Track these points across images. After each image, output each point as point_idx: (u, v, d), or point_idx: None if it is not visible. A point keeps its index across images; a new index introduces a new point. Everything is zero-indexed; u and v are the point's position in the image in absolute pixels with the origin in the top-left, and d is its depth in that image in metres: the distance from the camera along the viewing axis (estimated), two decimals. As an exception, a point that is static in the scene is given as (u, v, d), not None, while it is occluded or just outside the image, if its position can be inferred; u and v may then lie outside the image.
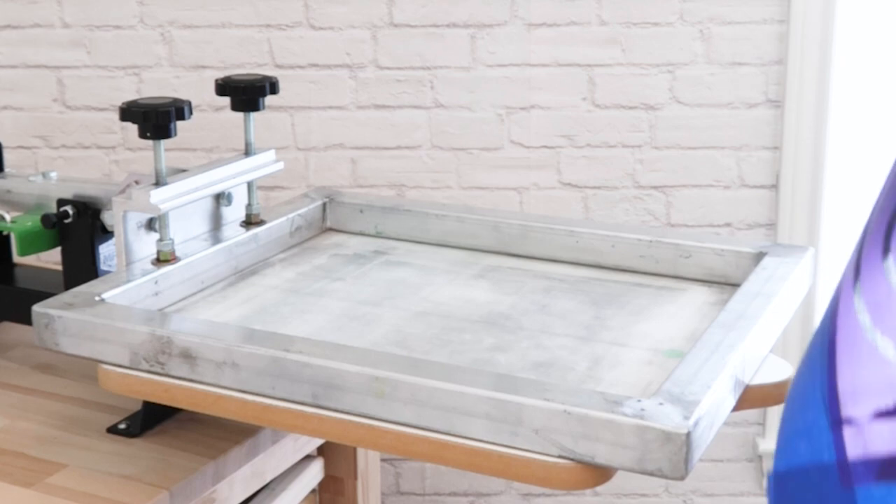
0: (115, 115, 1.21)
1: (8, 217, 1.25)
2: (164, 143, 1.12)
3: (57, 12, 1.84)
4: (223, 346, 0.92)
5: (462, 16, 1.80)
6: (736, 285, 1.09)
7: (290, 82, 1.81)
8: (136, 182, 1.17)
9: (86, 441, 1.12)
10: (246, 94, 1.25)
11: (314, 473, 1.33)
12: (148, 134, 1.10)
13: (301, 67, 1.84)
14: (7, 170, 1.34)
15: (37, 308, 1.01)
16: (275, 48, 1.83)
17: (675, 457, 0.76)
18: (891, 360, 0.60)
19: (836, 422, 0.62)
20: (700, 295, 1.14)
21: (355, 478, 1.37)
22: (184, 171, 1.20)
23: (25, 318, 1.02)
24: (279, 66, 1.83)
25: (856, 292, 0.63)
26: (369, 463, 1.39)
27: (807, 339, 1.86)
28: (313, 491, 1.35)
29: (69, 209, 1.20)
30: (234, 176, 1.22)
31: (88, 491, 1.03)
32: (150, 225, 1.14)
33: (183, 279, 1.13)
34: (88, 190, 1.22)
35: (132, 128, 1.13)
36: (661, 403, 0.79)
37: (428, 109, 1.83)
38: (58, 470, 1.07)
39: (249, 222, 1.26)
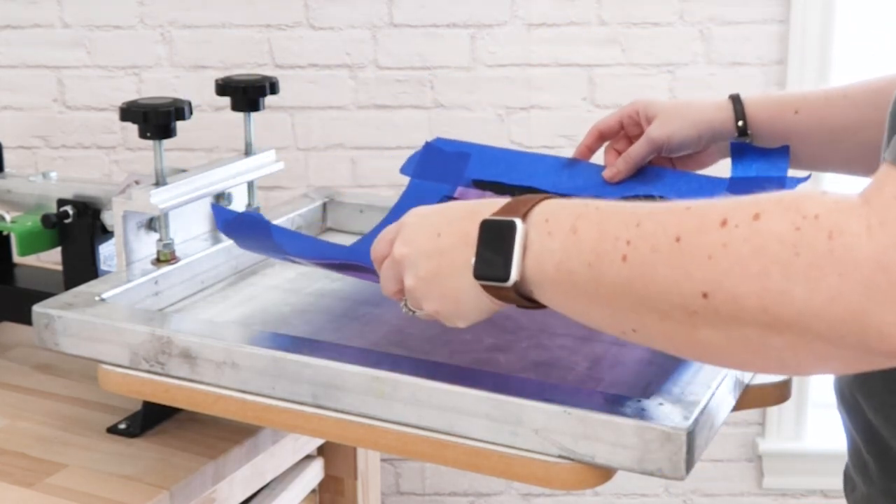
0: (115, 115, 1.21)
1: (8, 217, 1.25)
2: (164, 143, 1.12)
3: (57, 12, 1.84)
4: (223, 346, 0.92)
5: (462, 16, 1.80)
6: (736, 285, 1.08)
7: (290, 82, 1.81)
8: (136, 182, 1.17)
9: (86, 441, 1.12)
10: (246, 94, 1.25)
11: (314, 473, 1.33)
12: (148, 134, 1.10)
13: (301, 67, 1.84)
14: (7, 170, 1.34)
15: (37, 308, 1.01)
16: (275, 48, 1.83)
17: (675, 457, 0.76)
18: None
19: None
20: (700, 295, 1.14)
21: (355, 478, 1.37)
22: (184, 171, 1.20)
23: (25, 318, 1.02)
24: (279, 66, 1.83)
25: None
26: (369, 463, 1.39)
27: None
28: (313, 491, 1.35)
29: (69, 209, 1.20)
30: (234, 176, 1.22)
31: (88, 491, 1.03)
32: (150, 225, 1.14)
33: (183, 279, 1.13)
34: (88, 190, 1.22)
35: (132, 128, 1.13)
36: (661, 403, 0.79)
37: (428, 109, 1.83)
38: (58, 470, 1.07)
39: (249, 222, 1.25)
